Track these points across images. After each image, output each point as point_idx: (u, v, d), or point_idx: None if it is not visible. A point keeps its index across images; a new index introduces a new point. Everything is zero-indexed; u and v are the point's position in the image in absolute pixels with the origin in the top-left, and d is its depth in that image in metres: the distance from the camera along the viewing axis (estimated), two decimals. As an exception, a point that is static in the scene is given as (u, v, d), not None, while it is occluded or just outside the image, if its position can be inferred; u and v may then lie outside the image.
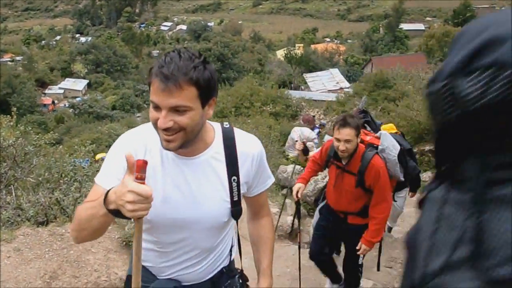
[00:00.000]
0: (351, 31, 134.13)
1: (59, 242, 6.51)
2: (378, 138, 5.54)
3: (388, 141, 5.43)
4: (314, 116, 23.12)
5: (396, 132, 6.91)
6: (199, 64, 2.20)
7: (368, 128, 6.02)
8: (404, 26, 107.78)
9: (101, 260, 6.35)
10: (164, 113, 2.12)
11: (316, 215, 6.26)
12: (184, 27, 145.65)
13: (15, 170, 8.33)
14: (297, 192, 5.74)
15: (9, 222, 7.06)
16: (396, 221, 9.63)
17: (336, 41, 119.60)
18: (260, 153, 2.65)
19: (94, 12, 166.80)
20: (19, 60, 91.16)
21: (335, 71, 64.79)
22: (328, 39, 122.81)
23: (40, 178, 8.21)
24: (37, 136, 9.64)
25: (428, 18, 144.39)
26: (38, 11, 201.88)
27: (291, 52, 74.35)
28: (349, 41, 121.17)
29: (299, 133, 13.35)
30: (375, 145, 5.42)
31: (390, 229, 9.52)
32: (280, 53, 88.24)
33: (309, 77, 62.15)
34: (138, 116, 57.69)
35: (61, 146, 11.44)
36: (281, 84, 47.28)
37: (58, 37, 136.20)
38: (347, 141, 5.00)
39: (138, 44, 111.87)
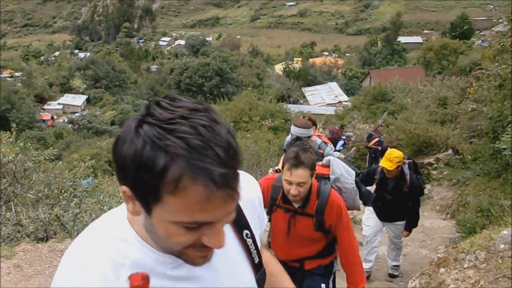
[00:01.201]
0: (349, 45, 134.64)
1: (59, 258, 6.48)
2: (326, 166, 4.77)
3: (340, 167, 4.71)
4: (342, 127, 22.28)
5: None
6: None
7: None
8: (402, 39, 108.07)
9: (101, 276, 6.32)
10: None
11: None
12: (182, 42, 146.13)
13: (14, 186, 8.32)
14: None
15: (9, 238, 7.04)
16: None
17: (334, 54, 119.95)
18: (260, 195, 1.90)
19: (92, 28, 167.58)
20: (18, 76, 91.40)
21: (334, 85, 64.94)
22: (326, 53, 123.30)
23: (39, 194, 8.19)
24: (37, 152, 9.62)
25: (426, 31, 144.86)
26: (37, 27, 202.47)
27: (290, 66, 74.56)
28: (347, 54, 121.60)
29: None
30: (325, 176, 4.64)
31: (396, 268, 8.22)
32: (279, 67, 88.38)
33: (307, 91, 62.29)
34: (137, 131, 57.67)
35: (60, 162, 11.46)
36: (280, 98, 47.31)
37: (57, 53, 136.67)
38: (300, 184, 4.01)
39: (137, 59, 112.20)
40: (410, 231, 7.75)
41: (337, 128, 14.91)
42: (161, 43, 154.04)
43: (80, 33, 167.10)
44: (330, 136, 19.12)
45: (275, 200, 4.37)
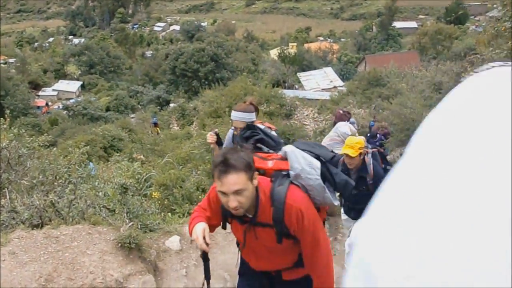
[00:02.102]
0: (344, 30, 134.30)
1: (54, 245, 6.50)
2: (285, 158, 3.88)
3: (299, 160, 3.75)
4: (348, 113, 21.00)
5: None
6: None
7: (265, 149, 4.16)
8: (397, 24, 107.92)
9: (96, 262, 6.34)
10: None
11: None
12: (177, 27, 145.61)
13: (9, 173, 8.30)
14: (203, 237, 3.59)
15: (4, 225, 7.04)
16: None
17: (329, 39, 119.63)
18: None
19: (87, 14, 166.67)
20: (12, 63, 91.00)
21: (329, 70, 64.76)
22: (321, 38, 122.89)
23: (34, 181, 8.18)
24: (31, 138, 9.60)
25: (421, 16, 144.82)
26: (31, 13, 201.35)
27: (285, 51, 74.32)
28: (342, 39, 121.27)
29: (349, 127, 11.53)
30: (284, 171, 3.81)
31: None
32: (274, 53, 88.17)
33: (303, 76, 62.11)
34: (133, 117, 57.58)
35: (55, 148, 11.45)
36: (275, 84, 47.23)
37: (51, 39, 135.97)
38: (237, 192, 3.31)
39: (132, 45, 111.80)
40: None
41: (341, 111, 14.53)
42: (156, 28, 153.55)
43: (74, 19, 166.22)
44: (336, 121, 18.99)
45: (226, 212, 3.64)
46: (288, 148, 3.85)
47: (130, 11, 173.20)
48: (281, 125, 21.73)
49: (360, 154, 6.79)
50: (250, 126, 4.35)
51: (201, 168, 11.98)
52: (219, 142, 6.27)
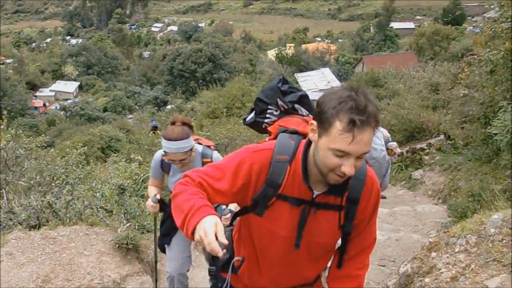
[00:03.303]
0: (342, 31, 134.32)
1: (51, 246, 6.50)
2: None
3: None
4: None
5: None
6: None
7: (304, 112, 3.15)
8: (395, 25, 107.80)
9: (94, 263, 6.34)
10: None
11: None
12: (175, 28, 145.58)
13: (6, 174, 8.30)
14: (217, 238, 2.22)
15: (1, 226, 7.04)
16: None
17: (327, 40, 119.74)
18: None
19: (84, 14, 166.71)
20: (9, 63, 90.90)
21: (326, 71, 64.65)
22: (319, 39, 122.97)
23: (31, 182, 8.18)
24: (29, 139, 9.60)
25: (418, 17, 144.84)
26: (28, 13, 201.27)
27: (282, 52, 74.35)
28: (340, 40, 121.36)
29: (380, 133, 10.79)
30: None
31: None
32: (271, 53, 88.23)
33: (300, 76, 61.95)
34: (130, 118, 57.61)
35: (52, 149, 11.43)
36: (273, 84, 47.22)
37: (48, 40, 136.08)
38: (362, 155, 2.40)
39: (129, 45, 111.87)
40: None
41: None
42: (153, 29, 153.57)
43: (71, 19, 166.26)
44: None
45: (276, 187, 2.57)
46: None
47: (127, 12, 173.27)
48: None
49: None
50: (284, 80, 3.14)
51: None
52: (163, 208, 5.19)
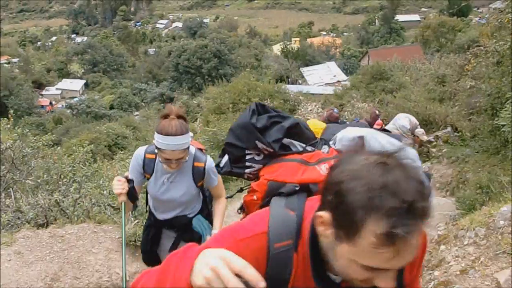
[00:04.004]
0: (347, 24, 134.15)
1: (59, 244, 6.50)
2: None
3: (382, 141, 2.23)
4: (341, 106, 18.54)
5: None
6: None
7: (297, 148, 2.25)
8: (400, 18, 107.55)
9: (102, 260, 6.35)
10: None
11: None
12: (179, 24, 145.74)
13: (13, 173, 8.32)
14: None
15: (9, 225, 7.05)
16: None
17: (332, 34, 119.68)
18: None
19: (89, 12, 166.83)
20: (15, 62, 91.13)
21: (332, 64, 64.71)
22: (324, 33, 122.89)
23: (39, 180, 8.19)
24: (35, 138, 9.62)
25: (423, 9, 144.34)
26: (33, 12, 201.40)
27: (288, 47, 74.23)
28: (345, 34, 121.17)
29: (408, 119, 10.69)
30: None
31: None
32: (277, 48, 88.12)
33: (306, 71, 62.03)
34: (136, 115, 57.64)
35: (59, 147, 11.45)
36: (278, 79, 47.11)
37: (53, 38, 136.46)
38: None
39: (134, 42, 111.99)
40: None
41: (377, 112, 14.06)
42: (158, 25, 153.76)
43: (76, 18, 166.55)
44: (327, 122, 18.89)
45: (283, 284, 1.81)
46: (363, 132, 2.25)
47: (132, 9, 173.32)
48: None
49: None
50: (260, 106, 2.48)
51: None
52: (131, 194, 4.11)
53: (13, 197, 7.72)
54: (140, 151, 4.30)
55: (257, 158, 2.37)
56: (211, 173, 4.28)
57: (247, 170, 2.43)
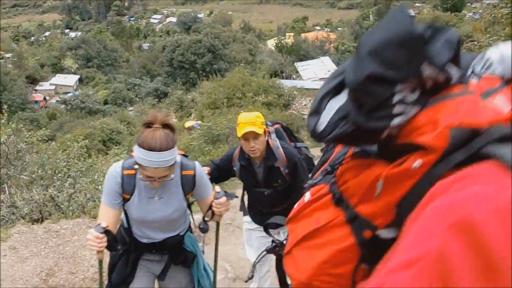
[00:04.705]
0: (341, 19, 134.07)
1: (54, 239, 6.50)
2: None
3: None
4: None
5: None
6: None
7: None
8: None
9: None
10: None
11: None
12: (174, 19, 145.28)
13: (8, 168, 8.31)
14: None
15: (4, 221, 7.05)
16: None
17: (326, 29, 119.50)
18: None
19: (83, 7, 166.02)
20: (8, 57, 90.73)
21: (326, 59, 64.72)
22: (318, 28, 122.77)
23: (33, 175, 8.20)
24: (29, 133, 9.61)
25: (417, 4, 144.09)
26: (26, 7, 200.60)
27: (282, 42, 74.25)
28: (339, 29, 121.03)
29: None
30: None
31: None
32: (271, 43, 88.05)
33: (300, 66, 62.04)
34: (131, 110, 57.58)
35: (53, 143, 11.44)
36: (273, 74, 47.22)
37: (47, 33, 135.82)
38: None
39: (128, 37, 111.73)
40: None
41: None
42: (152, 20, 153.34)
43: (70, 12, 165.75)
44: None
45: None
46: None
47: (126, 4, 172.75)
48: (280, 115, 21.71)
49: (264, 133, 4.57)
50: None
51: (200, 160, 11.96)
52: (111, 247, 3.38)
53: (7, 192, 7.72)
54: (116, 169, 3.57)
55: (410, 98, 1.33)
56: (203, 181, 3.73)
57: (395, 121, 1.33)
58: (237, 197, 3.70)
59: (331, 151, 1.82)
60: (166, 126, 3.31)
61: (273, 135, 4.74)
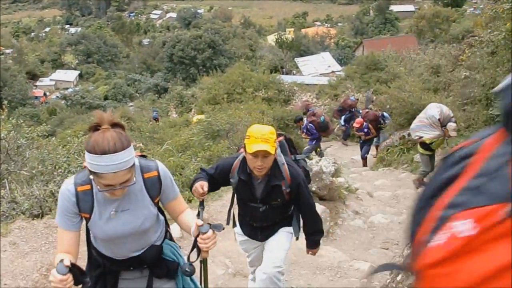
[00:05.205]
0: (341, 14, 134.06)
1: (55, 234, 6.49)
2: None
3: None
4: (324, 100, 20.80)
5: None
6: None
7: None
8: (394, 8, 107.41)
9: (97, 250, 6.35)
10: None
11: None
12: (174, 14, 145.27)
13: (8, 164, 8.30)
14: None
15: (4, 216, 7.04)
16: None
17: (326, 24, 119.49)
18: None
19: (83, 2, 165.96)
20: (9, 53, 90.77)
21: (327, 55, 64.65)
22: (318, 23, 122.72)
23: (33, 171, 8.19)
24: (30, 128, 9.60)
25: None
26: (26, 3, 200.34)
27: (282, 37, 74.24)
28: (339, 24, 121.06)
29: (439, 109, 10.32)
30: None
31: None
32: (271, 38, 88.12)
33: (300, 61, 61.96)
34: (131, 106, 57.53)
35: (54, 138, 11.42)
36: (273, 69, 47.15)
37: (47, 29, 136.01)
38: None
39: (128, 33, 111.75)
40: (317, 246, 4.86)
41: (346, 97, 14.36)
42: (152, 16, 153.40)
43: (70, 8, 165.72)
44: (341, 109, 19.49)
45: None
46: None
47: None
48: (280, 111, 21.66)
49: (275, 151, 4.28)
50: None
51: (201, 155, 11.94)
52: (78, 281, 2.90)
53: (8, 188, 7.71)
54: (68, 186, 3.11)
55: None
56: (169, 180, 3.33)
57: None
58: (223, 229, 3.20)
59: (458, 165, 1.29)
60: (115, 125, 2.94)
61: (278, 150, 4.39)
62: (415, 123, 10.67)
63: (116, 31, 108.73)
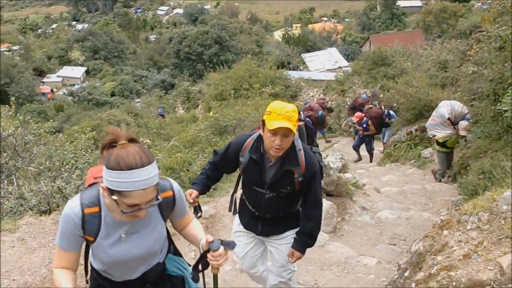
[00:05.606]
0: (348, 10, 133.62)
1: (62, 231, 6.51)
2: None
3: None
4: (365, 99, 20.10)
5: None
6: None
7: None
8: (401, 3, 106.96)
9: (105, 246, 6.35)
10: None
11: None
12: (180, 10, 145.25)
13: (15, 160, 8.32)
14: None
15: (12, 212, 7.06)
16: None
17: (333, 20, 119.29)
18: None
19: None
20: (16, 50, 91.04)
21: (334, 50, 64.59)
22: (325, 18, 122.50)
23: (41, 167, 8.20)
24: (37, 125, 9.62)
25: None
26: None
27: (289, 33, 74.17)
28: (346, 19, 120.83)
29: (450, 107, 10.28)
30: None
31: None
32: (278, 34, 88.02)
33: (307, 57, 61.89)
34: (138, 102, 57.64)
35: (61, 134, 11.45)
36: (280, 65, 47.12)
37: (54, 25, 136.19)
38: None
39: (135, 29, 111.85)
40: (303, 251, 4.35)
41: (358, 95, 14.26)
42: (159, 12, 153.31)
43: (77, 4, 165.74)
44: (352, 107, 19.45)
45: None
46: None
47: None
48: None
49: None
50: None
51: (208, 151, 11.95)
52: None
53: (15, 184, 7.72)
54: (74, 209, 2.85)
55: None
56: (182, 199, 3.20)
57: None
58: (235, 247, 3.05)
59: None
60: (133, 140, 2.76)
61: (296, 134, 3.97)
62: (429, 121, 10.78)
63: (123, 27, 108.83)
